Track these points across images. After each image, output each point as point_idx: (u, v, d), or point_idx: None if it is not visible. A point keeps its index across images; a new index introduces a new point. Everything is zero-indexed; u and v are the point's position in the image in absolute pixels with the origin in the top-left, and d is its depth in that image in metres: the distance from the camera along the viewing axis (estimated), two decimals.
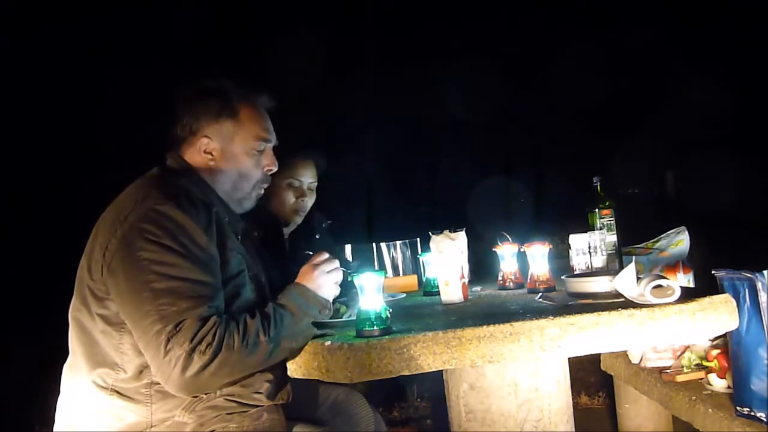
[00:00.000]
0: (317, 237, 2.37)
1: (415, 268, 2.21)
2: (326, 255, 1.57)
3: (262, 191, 1.65)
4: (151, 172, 1.53)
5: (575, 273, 1.90)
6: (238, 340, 1.29)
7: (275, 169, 1.65)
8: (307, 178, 2.24)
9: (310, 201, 2.27)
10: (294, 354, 1.41)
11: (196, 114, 1.54)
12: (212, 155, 1.55)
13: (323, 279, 1.51)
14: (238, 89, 1.58)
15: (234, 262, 1.44)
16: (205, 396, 1.37)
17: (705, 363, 1.98)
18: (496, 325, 1.29)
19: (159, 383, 1.34)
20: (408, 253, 2.21)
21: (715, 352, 1.92)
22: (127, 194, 1.45)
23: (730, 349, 1.71)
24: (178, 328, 1.26)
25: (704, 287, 1.87)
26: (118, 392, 1.37)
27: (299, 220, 2.27)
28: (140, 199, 1.38)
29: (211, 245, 1.38)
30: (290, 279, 1.56)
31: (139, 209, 1.36)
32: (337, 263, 1.56)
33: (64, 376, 1.47)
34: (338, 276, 1.54)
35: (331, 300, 1.53)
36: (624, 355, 2.33)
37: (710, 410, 1.79)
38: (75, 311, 1.43)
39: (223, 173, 1.55)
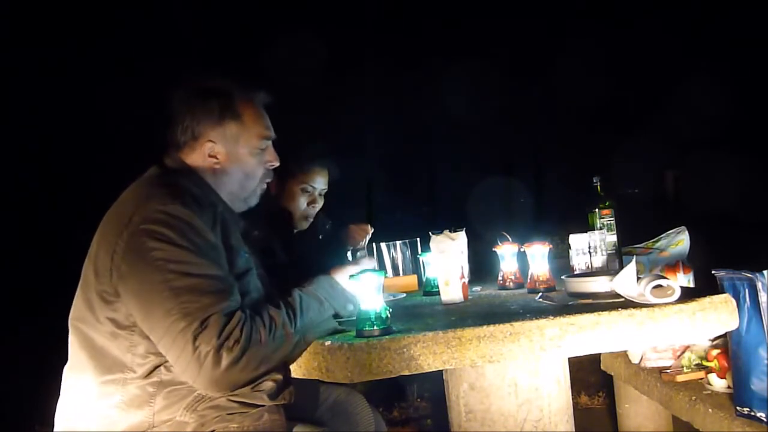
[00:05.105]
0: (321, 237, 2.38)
1: (415, 268, 2.21)
2: (374, 263, 1.64)
3: (266, 186, 1.65)
4: (150, 172, 1.51)
5: (575, 273, 1.90)
6: (264, 334, 1.29)
7: (277, 164, 1.64)
8: (320, 185, 2.29)
9: (318, 207, 2.32)
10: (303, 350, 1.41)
11: (198, 117, 1.51)
12: (217, 158, 1.53)
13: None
14: (238, 88, 1.56)
15: (240, 261, 1.43)
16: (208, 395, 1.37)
17: (705, 363, 1.98)
18: (496, 325, 1.29)
19: (165, 383, 1.34)
20: (408, 253, 2.21)
21: (715, 352, 1.92)
22: (128, 195, 1.44)
23: (730, 349, 1.71)
24: (204, 326, 1.25)
25: (704, 287, 1.87)
26: (124, 392, 1.35)
27: (306, 225, 2.30)
28: (143, 199, 1.37)
29: (219, 243, 1.38)
30: (294, 276, 1.56)
31: (144, 210, 1.34)
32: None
33: (64, 378, 1.46)
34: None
35: (356, 298, 1.51)
36: (624, 355, 2.33)
37: (710, 410, 1.79)
38: (77, 318, 1.41)
39: (228, 175, 1.54)
